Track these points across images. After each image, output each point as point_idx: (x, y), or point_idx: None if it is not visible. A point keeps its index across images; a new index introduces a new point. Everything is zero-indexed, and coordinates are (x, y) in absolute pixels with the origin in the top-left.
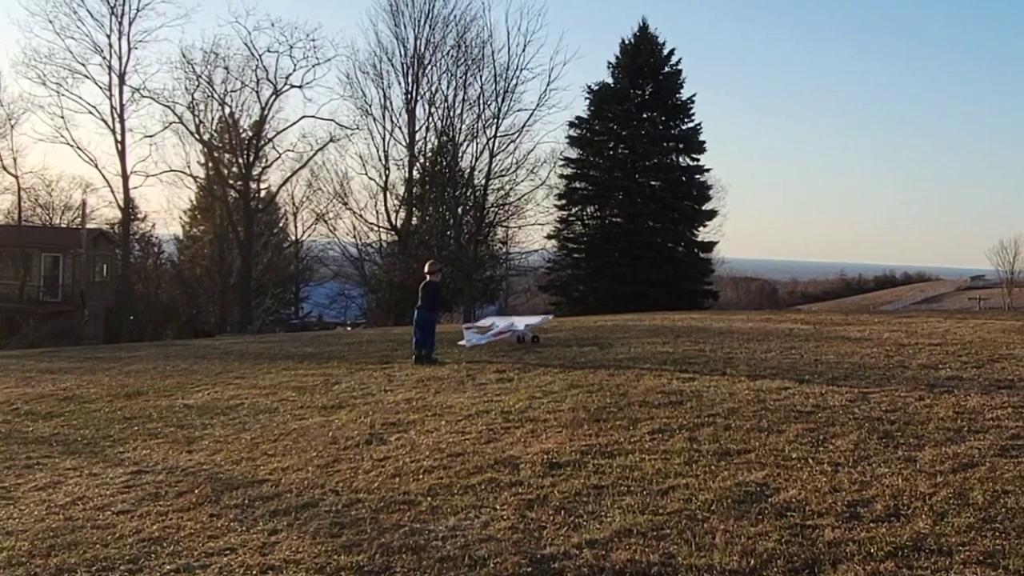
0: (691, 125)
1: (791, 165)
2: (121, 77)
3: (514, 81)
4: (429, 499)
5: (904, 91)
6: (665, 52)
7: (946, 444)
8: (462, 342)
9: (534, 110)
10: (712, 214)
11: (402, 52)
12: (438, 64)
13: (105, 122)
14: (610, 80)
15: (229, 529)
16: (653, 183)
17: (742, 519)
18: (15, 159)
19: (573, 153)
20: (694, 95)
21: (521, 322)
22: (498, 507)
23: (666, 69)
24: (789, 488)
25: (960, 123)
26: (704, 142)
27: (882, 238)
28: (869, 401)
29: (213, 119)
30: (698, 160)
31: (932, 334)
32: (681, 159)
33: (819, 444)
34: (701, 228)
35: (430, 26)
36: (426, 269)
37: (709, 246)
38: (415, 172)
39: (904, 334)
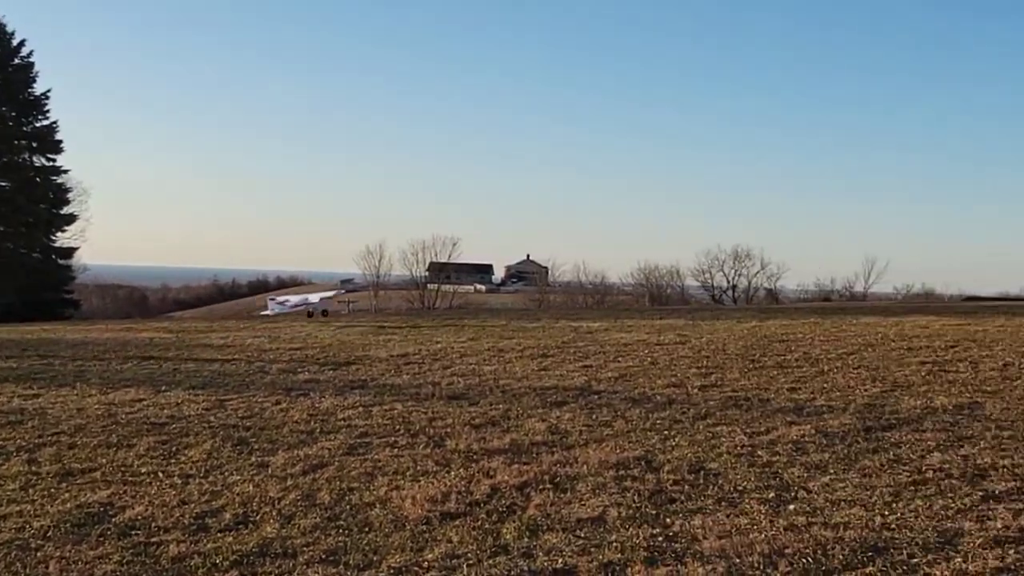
0: (46, 123)
1: (170, 168)
2: None
3: None
4: None
5: (296, 95)
6: (15, 43)
7: (299, 447)
8: (266, 311)
9: None
10: (72, 218)
11: None
12: None
13: None
14: None
15: None
16: (3, 184)
17: (81, 543)
18: None
19: None
20: (49, 90)
21: (315, 296)
22: None
23: (16, 61)
24: (136, 505)
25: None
26: (61, 141)
27: (260, 243)
28: (226, 408)
29: None
30: (55, 160)
31: (295, 338)
32: (35, 159)
33: (171, 456)
34: (60, 233)
35: None
36: None
37: (69, 252)
38: None
39: (267, 339)
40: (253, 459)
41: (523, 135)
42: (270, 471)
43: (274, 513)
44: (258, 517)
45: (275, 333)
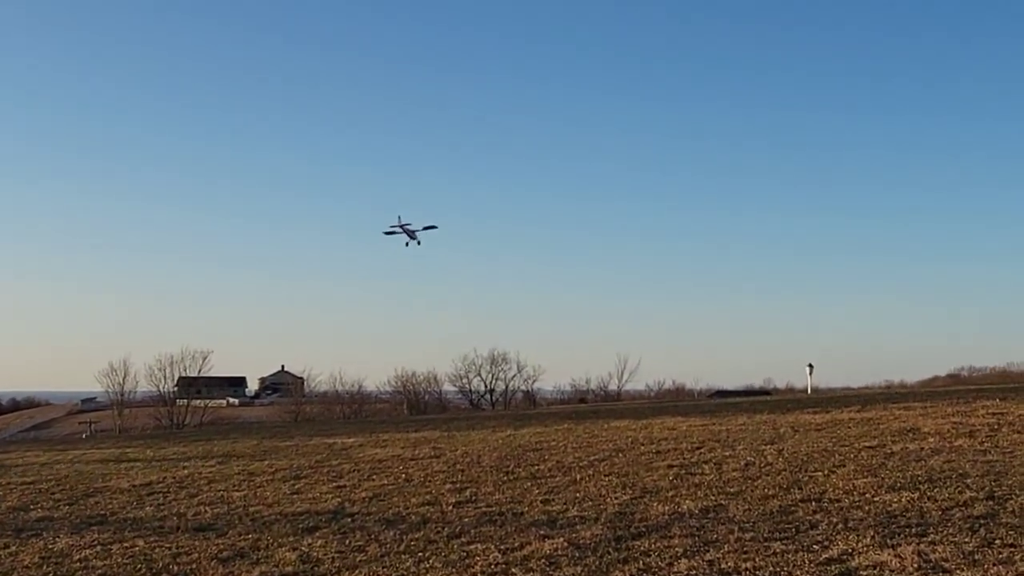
0: None
1: None
2: None
3: None
4: None
5: None
6: None
7: None
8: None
9: None
10: None
11: None
12: None
13: None
14: None
15: None
16: None
17: None
18: None
19: None
20: None
21: (419, 224)
22: None
23: None
24: None
25: None
26: None
27: None
28: None
29: None
30: None
31: (27, 471)
32: None
33: None
34: None
35: None
36: None
37: None
38: None
39: None
40: None
41: (269, 243)
42: None
43: None
44: None
45: (4, 462)
